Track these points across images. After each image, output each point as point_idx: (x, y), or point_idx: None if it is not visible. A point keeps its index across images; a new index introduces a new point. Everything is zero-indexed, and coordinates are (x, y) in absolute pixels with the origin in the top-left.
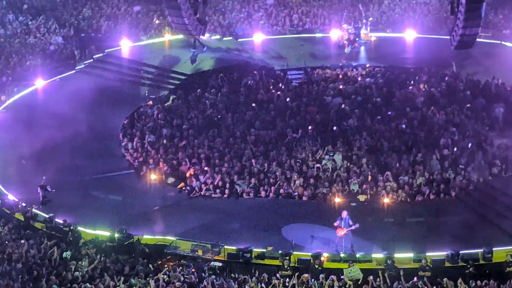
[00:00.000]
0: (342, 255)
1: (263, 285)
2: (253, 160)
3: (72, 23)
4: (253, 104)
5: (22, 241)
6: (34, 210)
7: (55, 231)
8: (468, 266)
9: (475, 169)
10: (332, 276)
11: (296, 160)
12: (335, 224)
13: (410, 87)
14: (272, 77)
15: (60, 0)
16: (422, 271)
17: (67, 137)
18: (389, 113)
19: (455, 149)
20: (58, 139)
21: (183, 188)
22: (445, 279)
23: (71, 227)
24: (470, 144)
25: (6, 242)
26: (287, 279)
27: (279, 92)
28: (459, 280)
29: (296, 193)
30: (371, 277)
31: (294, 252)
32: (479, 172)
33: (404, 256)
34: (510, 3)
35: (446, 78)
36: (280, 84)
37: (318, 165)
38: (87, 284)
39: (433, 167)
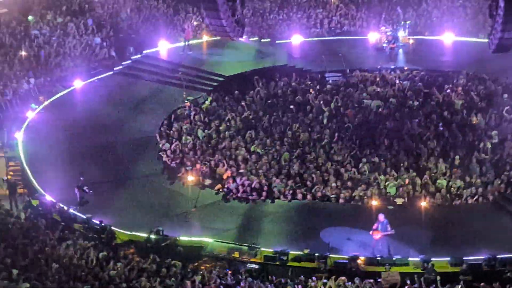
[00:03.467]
0: (379, 258)
1: (299, 287)
2: (290, 163)
3: (111, 24)
4: (291, 106)
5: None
6: (71, 211)
7: (92, 232)
8: (506, 270)
9: None
10: (370, 280)
11: (333, 162)
12: (374, 227)
13: (448, 90)
14: (310, 79)
15: (98, 1)
16: (463, 275)
17: (105, 138)
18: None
19: (493, 152)
20: (96, 139)
21: (220, 189)
22: (482, 284)
23: (107, 228)
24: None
25: (43, 242)
26: (324, 281)
27: (316, 94)
28: (496, 285)
29: (333, 196)
30: (408, 281)
31: (331, 255)
32: None
33: (441, 260)
34: None
35: (485, 82)
36: (318, 86)
37: (354, 168)
38: (124, 284)
39: (471, 171)
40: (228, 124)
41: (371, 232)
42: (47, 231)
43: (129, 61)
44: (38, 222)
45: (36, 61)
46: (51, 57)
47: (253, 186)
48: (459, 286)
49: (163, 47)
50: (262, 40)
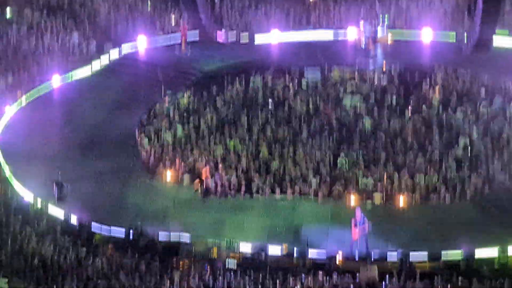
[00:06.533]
0: (357, 254)
1: (278, 283)
2: (269, 159)
3: (90, 20)
4: (270, 103)
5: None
6: (50, 207)
7: (71, 228)
8: (483, 266)
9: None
10: (348, 276)
11: (312, 158)
12: (352, 223)
13: (426, 87)
14: (288, 76)
15: None
16: (441, 271)
17: (84, 134)
18: None
19: (470, 149)
20: (75, 136)
21: (199, 186)
22: (459, 278)
23: (87, 225)
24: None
25: (24, 239)
26: (302, 277)
27: (295, 91)
28: (474, 280)
29: (311, 191)
30: (387, 277)
31: (309, 251)
32: (497, 173)
33: (419, 255)
34: None
35: (462, 79)
36: (297, 83)
37: (333, 164)
38: (103, 280)
39: (448, 167)
40: (206, 120)
41: (352, 231)
42: (26, 227)
43: (107, 57)
44: (16, 218)
45: (15, 57)
46: (29, 54)
47: (231, 182)
48: (436, 281)
49: (142, 44)
50: (241, 35)
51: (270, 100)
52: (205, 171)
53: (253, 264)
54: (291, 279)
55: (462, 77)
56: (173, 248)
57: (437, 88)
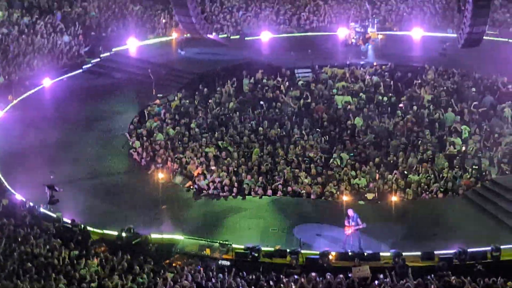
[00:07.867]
0: (350, 253)
1: (271, 283)
2: (261, 159)
3: (80, 22)
4: (261, 103)
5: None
6: (41, 209)
7: (63, 230)
8: (476, 264)
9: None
10: (341, 275)
11: (304, 158)
12: (345, 222)
13: (417, 85)
14: (279, 76)
15: None
16: (440, 271)
17: (74, 136)
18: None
19: (463, 147)
20: (65, 138)
21: (191, 187)
22: (453, 277)
23: (80, 227)
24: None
25: (15, 240)
26: (295, 277)
27: (286, 90)
28: (467, 278)
29: (304, 192)
30: (380, 275)
31: (302, 251)
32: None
33: (412, 254)
34: None
35: (454, 76)
36: (288, 83)
37: (325, 164)
38: (95, 283)
39: (441, 165)
40: (197, 121)
41: (344, 229)
42: (18, 229)
43: (98, 59)
44: (8, 221)
45: (5, 60)
46: (19, 56)
47: (223, 183)
48: (430, 280)
49: (132, 45)
50: (231, 37)
51: (261, 102)
52: (197, 172)
53: (246, 265)
54: (284, 279)
55: (454, 73)
56: (165, 249)
57: (428, 84)
